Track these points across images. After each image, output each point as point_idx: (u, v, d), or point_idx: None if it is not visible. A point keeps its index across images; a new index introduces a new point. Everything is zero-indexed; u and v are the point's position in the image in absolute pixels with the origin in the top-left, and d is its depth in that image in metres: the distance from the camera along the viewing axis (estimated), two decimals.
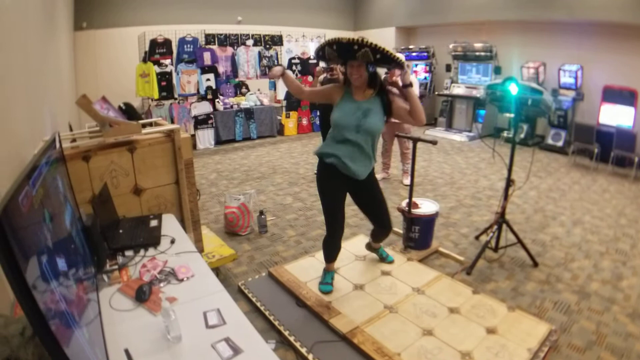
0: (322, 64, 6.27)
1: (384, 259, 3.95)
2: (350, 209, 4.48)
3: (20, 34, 2.70)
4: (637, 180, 6.94)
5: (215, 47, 9.16)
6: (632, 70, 7.79)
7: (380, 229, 3.55)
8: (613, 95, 7.87)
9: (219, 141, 9.35)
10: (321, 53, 3.10)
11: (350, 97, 3.11)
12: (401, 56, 2.96)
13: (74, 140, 2.94)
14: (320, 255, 3.91)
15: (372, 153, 3.15)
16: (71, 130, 4.10)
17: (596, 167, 7.60)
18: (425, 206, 4.24)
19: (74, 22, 8.79)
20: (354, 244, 4.23)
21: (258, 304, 3.35)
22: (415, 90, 5.80)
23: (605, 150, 7.40)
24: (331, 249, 3.50)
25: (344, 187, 3.25)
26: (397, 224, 4.69)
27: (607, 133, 7.44)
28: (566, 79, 8.63)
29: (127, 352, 1.54)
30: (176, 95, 8.87)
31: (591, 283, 3.79)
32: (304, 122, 10.57)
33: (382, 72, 3.15)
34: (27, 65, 2.82)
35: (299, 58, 10.26)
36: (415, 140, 4.14)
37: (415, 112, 2.99)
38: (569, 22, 8.40)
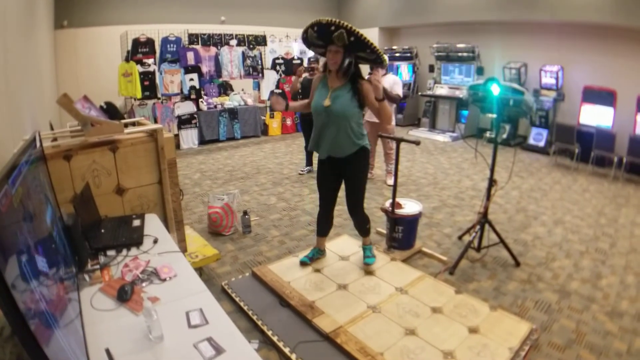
0: (304, 64, 6.30)
1: (364, 258, 3.92)
2: (335, 209, 4.49)
3: None
4: (617, 180, 7.05)
5: (198, 46, 9.11)
6: (611, 71, 7.93)
7: (351, 217, 3.74)
8: (593, 95, 7.98)
9: (202, 141, 9.30)
10: (305, 36, 3.31)
11: (325, 84, 3.36)
12: (376, 45, 3.12)
13: (55, 139, 2.91)
14: (304, 255, 3.95)
15: (353, 135, 3.30)
16: (52, 129, 4.05)
17: (577, 167, 7.70)
18: (409, 206, 4.26)
19: (54, 21, 8.67)
20: (338, 244, 4.24)
21: (241, 304, 3.34)
22: (399, 90, 5.83)
23: (586, 150, 7.49)
24: (319, 222, 3.84)
25: (329, 169, 3.51)
26: (381, 224, 4.71)
27: (587, 133, 7.54)
28: (547, 80, 8.74)
29: (108, 351, 1.53)
30: (159, 95, 8.80)
31: (571, 282, 3.84)
32: (288, 122, 10.56)
33: (365, 72, 3.26)
34: (5, 63, 2.78)
35: (282, 58, 10.24)
36: (399, 141, 4.15)
37: (381, 116, 3.37)
38: (550, 23, 8.52)
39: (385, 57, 3.26)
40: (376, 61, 3.29)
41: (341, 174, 3.51)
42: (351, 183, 3.52)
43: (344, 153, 3.33)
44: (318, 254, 3.95)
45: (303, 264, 3.86)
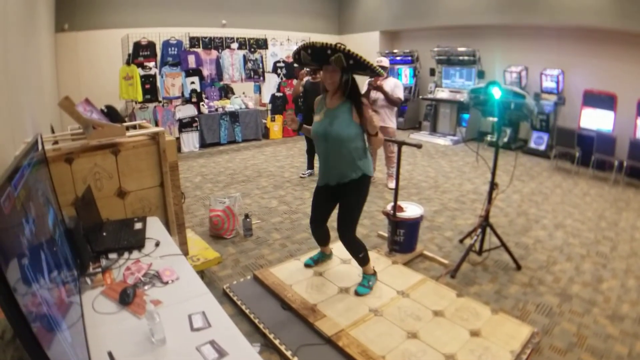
0: (306, 68, 6.30)
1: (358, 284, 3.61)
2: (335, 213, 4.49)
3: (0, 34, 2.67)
4: (617, 184, 7.05)
5: (199, 50, 9.12)
6: (612, 75, 7.94)
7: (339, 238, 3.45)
8: (593, 99, 7.99)
9: (203, 144, 9.31)
10: (297, 57, 3.14)
11: (323, 105, 3.19)
12: (375, 64, 2.98)
13: (56, 142, 2.91)
14: (305, 258, 3.97)
15: (355, 158, 3.13)
16: (53, 132, 4.06)
17: (577, 171, 7.70)
18: (410, 210, 4.25)
19: (55, 24, 8.69)
20: (340, 248, 4.21)
21: (243, 307, 3.34)
22: (399, 93, 5.84)
23: (586, 154, 7.49)
24: (315, 236, 3.76)
25: (326, 189, 3.36)
26: (382, 227, 4.70)
27: (587, 137, 7.55)
28: (548, 83, 8.75)
29: (110, 354, 1.53)
30: (160, 98, 8.81)
31: (572, 285, 3.83)
32: None
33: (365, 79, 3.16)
34: (6, 66, 2.78)
35: (283, 61, 10.27)
36: (400, 144, 4.15)
37: (370, 144, 3.15)
38: (551, 27, 8.53)
39: (382, 70, 3.05)
40: (373, 75, 3.16)
41: (339, 196, 3.33)
42: (345, 208, 3.32)
43: (343, 178, 3.18)
44: (323, 257, 3.94)
45: (307, 266, 3.87)
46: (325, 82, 3.07)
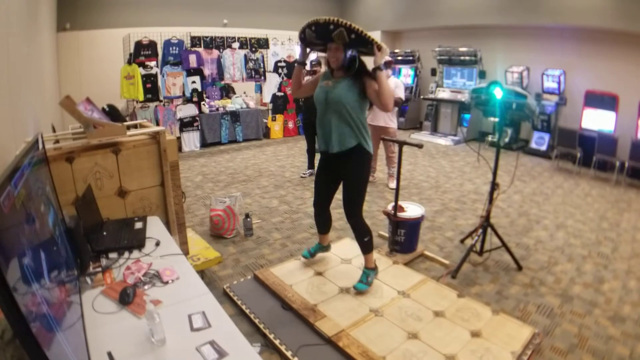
0: (307, 67, 6.29)
1: (358, 280, 3.58)
2: (336, 212, 4.49)
3: (1, 33, 2.66)
4: (618, 185, 7.04)
5: (201, 49, 9.11)
6: (613, 76, 7.93)
7: (347, 218, 3.47)
8: (595, 100, 7.98)
9: (204, 144, 9.31)
10: (303, 36, 3.24)
11: (328, 76, 3.31)
12: (376, 38, 3.02)
13: (57, 141, 2.91)
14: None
15: (353, 126, 3.19)
16: (54, 131, 4.05)
17: (579, 171, 7.69)
18: (411, 210, 4.25)
19: (57, 23, 8.69)
20: (340, 247, 4.23)
21: (243, 307, 3.33)
22: (400, 93, 5.83)
23: (588, 154, 7.49)
24: (317, 221, 3.80)
25: (328, 167, 3.45)
26: (383, 227, 4.70)
27: (589, 137, 7.54)
28: (549, 84, 8.74)
29: (110, 354, 1.52)
30: (161, 98, 8.81)
31: (574, 286, 3.83)
32: (290, 125, 10.55)
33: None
34: (8, 66, 2.78)
35: (284, 61, 10.25)
36: (401, 144, 4.15)
37: (381, 95, 3.06)
38: (552, 27, 8.53)
39: (382, 45, 3.09)
40: (372, 48, 3.12)
41: (339, 172, 3.36)
42: (348, 184, 3.34)
43: (342, 145, 3.20)
44: (320, 249, 3.94)
45: (304, 257, 3.91)
46: (330, 60, 3.20)
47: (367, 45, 3.08)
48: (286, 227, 5.03)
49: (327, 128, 3.25)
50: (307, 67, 6.33)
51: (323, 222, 3.79)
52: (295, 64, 3.53)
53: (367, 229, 3.48)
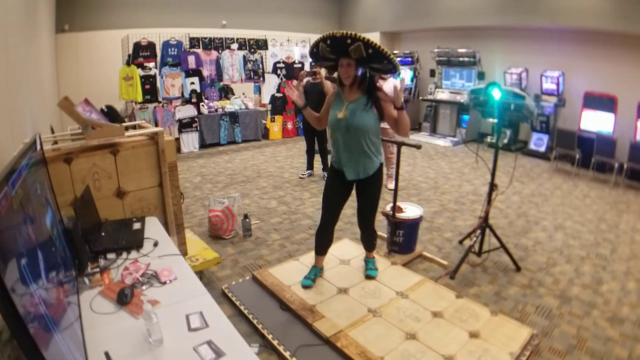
0: (306, 69, 6.30)
1: (366, 270, 3.80)
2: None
3: (0, 35, 2.67)
4: (617, 186, 7.04)
5: (199, 50, 9.12)
6: (612, 77, 7.93)
7: (360, 230, 3.70)
8: (593, 101, 7.98)
9: (203, 145, 9.31)
10: (315, 50, 3.16)
11: (340, 99, 3.22)
12: (391, 54, 2.99)
13: (55, 142, 2.91)
14: (304, 258, 3.97)
15: (374, 150, 3.23)
16: (53, 132, 4.05)
17: (577, 173, 7.69)
18: (410, 210, 4.25)
19: (55, 25, 8.68)
20: (339, 248, 4.23)
21: (242, 308, 3.33)
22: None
23: (586, 156, 7.49)
24: (319, 239, 3.63)
25: (341, 185, 3.39)
26: (382, 228, 4.70)
27: (588, 139, 7.55)
28: (548, 85, 8.74)
29: (107, 355, 1.52)
30: (160, 99, 8.81)
31: (572, 287, 3.83)
32: (289, 126, 10.56)
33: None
34: (7, 67, 2.78)
35: (283, 62, 10.26)
36: (400, 145, 4.15)
37: (400, 130, 3.13)
38: (551, 28, 8.53)
39: (397, 63, 3.09)
40: (391, 71, 3.15)
41: (357, 191, 3.42)
42: (368, 201, 3.42)
43: (367, 173, 3.24)
44: (320, 272, 3.76)
45: (307, 287, 3.57)
46: (342, 76, 3.12)
47: (382, 61, 3.00)
48: (285, 228, 5.03)
49: (354, 156, 3.23)
50: (307, 68, 6.34)
51: (326, 242, 3.63)
52: (302, 110, 3.43)
53: (376, 232, 3.75)
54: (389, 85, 5.81)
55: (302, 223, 5.13)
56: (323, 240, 3.63)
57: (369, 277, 3.72)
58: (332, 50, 3.05)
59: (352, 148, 3.20)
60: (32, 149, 1.80)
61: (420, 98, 11.23)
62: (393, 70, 3.11)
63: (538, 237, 4.88)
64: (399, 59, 11.30)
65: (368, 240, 3.72)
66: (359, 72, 3.08)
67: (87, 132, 2.67)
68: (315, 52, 3.17)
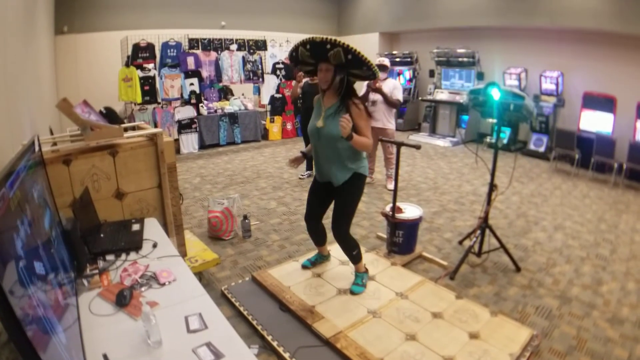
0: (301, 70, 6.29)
1: (352, 283, 3.62)
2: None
3: None
4: (617, 186, 7.04)
5: (198, 51, 9.12)
6: (611, 77, 7.93)
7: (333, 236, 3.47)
8: (593, 101, 7.98)
9: (202, 146, 9.31)
10: (294, 54, 3.16)
11: (320, 104, 3.23)
12: (377, 63, 2.97)
13: (54, 143, 2.91)
14: (304, 259, 3.94)
15: (345, 160, 3.16)
16: (52, 134, 4.05)
17: (577, 173, 7.69)
18: (409, 211, 4.24)
19: (54, 26, 8.68)
20: (338, 249, 4.19)
21: (241, 309, 3.33)
22: (399, 95, 5.83)
23: (586, 156, 7.48)
24: (311, 235, 3.77)
25: (321, 186, 3.41)
26: (381, 229, 4.70)
27: (587, 139, 7.54)
28: (547, 85, 8.75)
29: (105, 357, 1.52)
30: (159, 100, 8.81)
31: (572, 288, 3.83)
32: (288, 126, 10.55)
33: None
34: (5, 68, 2.78)
35: (282, 63, 10.27)
36: (399, 145, 4.15)
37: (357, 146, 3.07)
38: (550, 29, 8.54)
39: (377, 70, 3.05)
40: (370, 77, 3.17)
41: (334, 192, 3.35)
42: (338, 205, 3.36)
43: (337, 181, 3.21)
44: (321, 258, 3.94)
45: (304, 267, 3.86)
46: (320, 81, 3.11)
47: (362, 67, 2.99)
48: (284, 229, 5.02)
49: (319, 162, 3.28)
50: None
51: (318, 236, 3.76)
52: (302, 155, 3.51)
53: (354, 242, 3.51)
54: (388, 85, 5.80)
55: (302, 224, 5.12)
56: (312, 234, 3.75)
57: (352, 292, 3.51)
58: (311, 54, 3.06)
59: (322, 155, 3.21)
60: (30, 151, 1.79)
61: (420, 98, 11.24)
62: (372, 76, 3.11)
63: (538, 238, 4.87)
64: (398, 59, 11.33)
65: (344, 251, 3.51)
66: (337, 78, 3.04)
67: (86, 133, 2.67)
68: (295, 55, 3.17)
